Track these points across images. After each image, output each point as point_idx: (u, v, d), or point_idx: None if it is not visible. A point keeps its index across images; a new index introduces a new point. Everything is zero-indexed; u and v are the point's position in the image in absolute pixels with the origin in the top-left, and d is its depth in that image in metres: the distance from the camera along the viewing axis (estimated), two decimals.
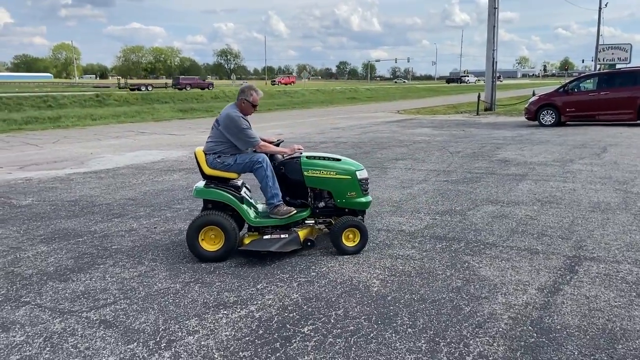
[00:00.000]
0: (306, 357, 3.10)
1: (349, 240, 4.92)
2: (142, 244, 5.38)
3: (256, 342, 3.30)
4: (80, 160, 11.63)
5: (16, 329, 3.50)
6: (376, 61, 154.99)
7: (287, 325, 3.51)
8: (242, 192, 5.04)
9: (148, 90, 47.24)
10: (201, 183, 5.04)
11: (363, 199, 5.03)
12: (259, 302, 3.90)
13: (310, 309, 3.76)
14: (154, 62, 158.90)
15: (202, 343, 3.29)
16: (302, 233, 4.94)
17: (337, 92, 47.43)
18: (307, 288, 4.15)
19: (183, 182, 8.91)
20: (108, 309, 3.79)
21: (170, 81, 65.97)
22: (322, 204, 5.11)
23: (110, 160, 11.63)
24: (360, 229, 4.89)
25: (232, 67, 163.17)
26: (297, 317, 3.64)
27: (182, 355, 3.14)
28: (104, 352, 3.19)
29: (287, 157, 5.09)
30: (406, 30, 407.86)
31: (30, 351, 3.20)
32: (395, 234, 5.61)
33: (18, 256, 5.05)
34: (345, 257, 4.88)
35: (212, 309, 3.78)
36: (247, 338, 3.34)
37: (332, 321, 3.57)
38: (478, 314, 3.67)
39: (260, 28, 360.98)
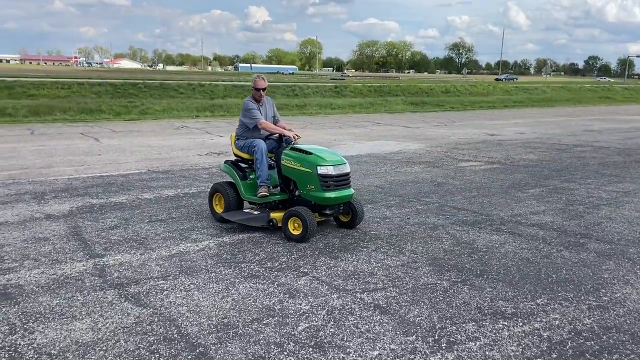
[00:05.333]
0: None
1: (294, 229, 5.03)
2: (399, 234, 5.38)
3: None
4: (325, 145, 12.48)
5: (301, 297, 3.76)
6: (637, 56, 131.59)
7: (587, 355, 2.99)
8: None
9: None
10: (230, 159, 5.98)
11: (322, 194, 5.03)
12: (544, 320, 3.44)
13: (611, 341, 3.15)
14: (386, 56, 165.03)
15: (487, 353, 3.01)
16: (273, 214, 5.21)
17: (585, 90, 42.01)
18: (602, 315, 3.52)
19: (426, 175, 8.79)
20: (379, 294, 3.81)
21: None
22: (297, 192, 5.35)
23: (352, 147, 12.23)
24: (302, 219, 4.92)
25: (463, 61, 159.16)
26: (597, 347, 3.08)
27: None
28: (385, 338, 3.17)
29: (290, 145, 5.41)
30: None
31: (316, 321, 3.38)
32: None
33: None
34: None
35: (489, 316, 3.48)
36: (538, 359, 2.95)
37: None
38: None
39: (497, 20, 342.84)
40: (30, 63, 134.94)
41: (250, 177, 5.64)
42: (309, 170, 5.06)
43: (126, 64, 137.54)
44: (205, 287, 3.92)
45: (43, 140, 12.10)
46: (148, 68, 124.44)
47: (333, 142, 13.00)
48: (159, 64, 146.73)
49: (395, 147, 12.39)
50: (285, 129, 5.65)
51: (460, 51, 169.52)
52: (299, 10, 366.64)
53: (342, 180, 5.16)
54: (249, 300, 3.69)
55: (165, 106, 20.21)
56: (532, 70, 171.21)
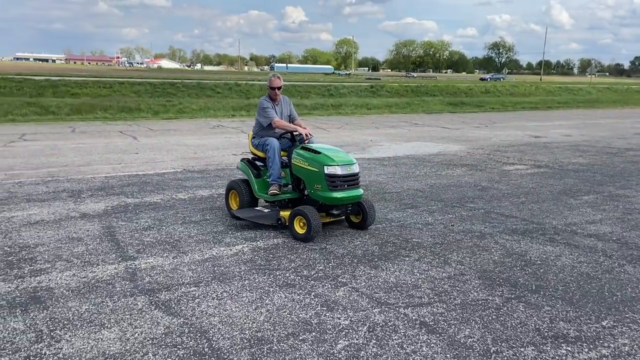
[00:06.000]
0: None
1: (300, 227, 4.98)
2: (443, 242, 5.05)
3: None
4: (361, 146, 12.21)
5: (339, 310, 3.50)
6: None
7: None
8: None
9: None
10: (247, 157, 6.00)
11: (329, 194, 4.97)
12: (611, 345, 3.07)
13: None
14: (423, 56, 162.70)
15: None
16: (283, 213, 5.20)
17: (632, 91, 40.15)
18: None
19: (469, 178, 8.38)
20: (425, 310, 3.51)
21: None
22: (306, 192, 5.27)
23: (389, 148, 11.89)
24: (307, 218, 4.87)
25: (503, 61, 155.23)
26: None
27: None
28: None
29: (302, 144, 5.36)
30: None
31: (357, 339, 3.11)
32: None
33: (327, 233, 5.28)
34: None
35: (550, 340, 3.13)
36: None
37: None
38: None
39: (539, 19, 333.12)
40: (75, 63, 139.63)
41: (265, 175, 5.63)
42: (317, 170, 5.00)
43: (165, 63, 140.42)
44: (238, 295, 3.71)
45: (83, 139, 12.27)
46: (186, 68, 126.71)
47: (370, 143, 12.69)
48: (197, 64, 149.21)
49: (434, 148, 11.99)
50: (301, 127, 5.60)
51: (500, 51, 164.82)
52: (335, 10, 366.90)
53: (350, 181, 5.07)
54: (284, 312, 3.46)
55: (202, 105, 20.33)
56: (575, 71, 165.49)
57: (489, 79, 70.62)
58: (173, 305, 3.52)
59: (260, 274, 4.12)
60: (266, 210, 5.51)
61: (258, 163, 5.79)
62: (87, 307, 3.47)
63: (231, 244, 4.88)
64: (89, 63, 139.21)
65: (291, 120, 5.86)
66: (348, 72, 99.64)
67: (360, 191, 5.18)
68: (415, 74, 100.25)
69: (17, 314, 3.35)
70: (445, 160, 10.30)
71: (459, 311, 3.50)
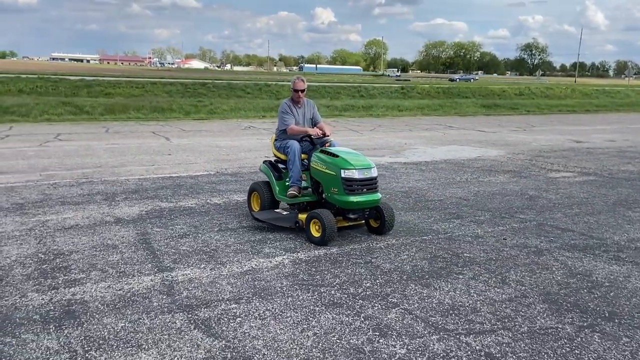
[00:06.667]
0: None
1: (316, 230, 4.93)
2: (497, 257, 4.69)
3: None
4: (396, 149, 11.86)
5: (394, 336, 3.19)
6: None
7: None
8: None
9: None
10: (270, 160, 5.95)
11: (346, 198, 4.90)
12: None
13: None
14: (454, 57, 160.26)
15: None
16: (301, 216, 5.15)
17: None
18: None
19: (514, 186, 7.95)
20: (489, 339, 3.17)
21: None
22: (324, 195, 5.19)
23: (425, 152, 11.51)
24: (322, 221, 4.81)
25: (535, 63, 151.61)
26: None
27: None
28: None
29: (321, 147, 5.29)
30: None
31: None
32: None
33: (371, 245, 4.98)
34: None
35: None
36: None
37: None
38: None
39: (573, 20, 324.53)
40: (108, 63, 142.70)
41: (286, 177, 5.60)
42: (334, 173, 4.96)
43: (196, 64, 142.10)
44: (282, 315, 3.45)
45: (116, 139, 12.26)
46: (216, 68, 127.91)
47: (404, 146, 12.33)
48: (227, 65, 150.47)
49: (472, 153, 11.55)
50: (323, 129, 5.59)
51: (533, 52, 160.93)
52: (364, 11, 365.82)
53: (367, 185, 4.99)
54: (333, 336, 3.17)
55: (232, 106, 20.26)
56: (611, 73, 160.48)
57: (458, 80, 68.61)
58: (213, 325, 3.28)
59: (304, 291, 3.85)
60: (285, 213, 5.50)
61: (280, 165, 5.76)
62: (123, 324, 3.26)
63: (270, 255, 4.63)
64: (122, 63, 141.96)
65: (314, 123, 5.80)
66: (398, 74, 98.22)
67: (378, 195, 5.09)
68: (477, 76, 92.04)
69: (51, 330, 3.16)
70: (486, 165, 9.87)
71: (528, 341, 3.15)
